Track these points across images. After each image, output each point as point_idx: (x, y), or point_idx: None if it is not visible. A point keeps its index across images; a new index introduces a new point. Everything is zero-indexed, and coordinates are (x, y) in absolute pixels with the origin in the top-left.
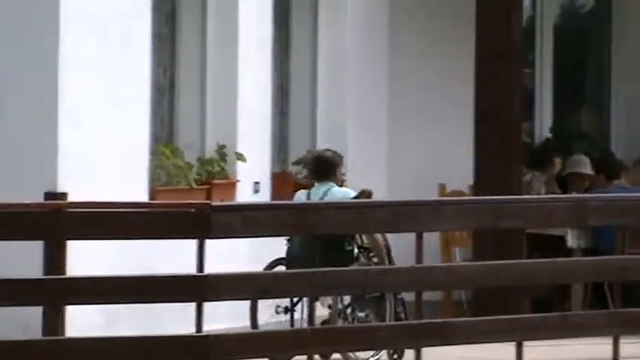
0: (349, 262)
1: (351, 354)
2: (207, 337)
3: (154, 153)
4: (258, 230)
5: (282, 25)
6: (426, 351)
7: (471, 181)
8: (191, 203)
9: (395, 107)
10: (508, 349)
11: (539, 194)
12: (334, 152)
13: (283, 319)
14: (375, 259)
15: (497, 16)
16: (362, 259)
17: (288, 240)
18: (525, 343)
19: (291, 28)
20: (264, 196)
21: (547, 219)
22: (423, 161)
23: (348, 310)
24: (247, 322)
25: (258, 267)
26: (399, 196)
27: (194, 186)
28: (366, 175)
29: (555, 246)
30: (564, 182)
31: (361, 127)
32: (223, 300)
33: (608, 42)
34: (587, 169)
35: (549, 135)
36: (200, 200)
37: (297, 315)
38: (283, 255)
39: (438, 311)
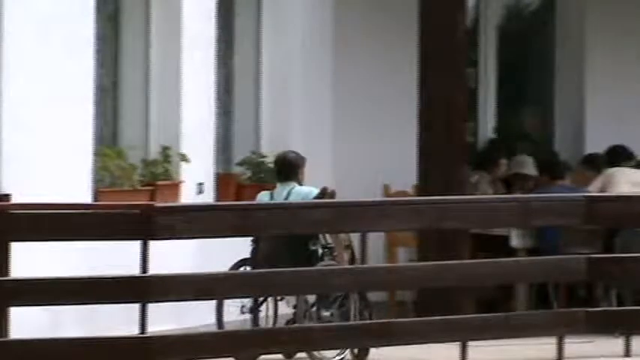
0: (314, 261)
1: (316, 353)
2: (150, 337)
3: (98, 154)
4: (202, 231)
5: (225, 25)
6: (376, 352)
7: (415, 181)
8: (135, 204)
9: (339, 108)
10: (453, 349)
11: (485, 195)
12: (297, 154)
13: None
14: (346, 257)
15: (441, 16)
16: (326, 259)
17: (253, 240)
18: (470, 343)
19: (235, 28)
20: (208, 197)
21: (490, 219)
22: (367, 162)
23: (313, 310)
24: (191, 323)
25: (207, 267)
26: (344, 197)
27: (138, 187)
28: (311, 176)
29: (499, 246)
30: (509, 183)
31: (305, 127)
32: (167, 301)
33: (552, 42)
34: (531, 169)
35: (493, 135)
36: (144, 202)
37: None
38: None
39: (383, 312)
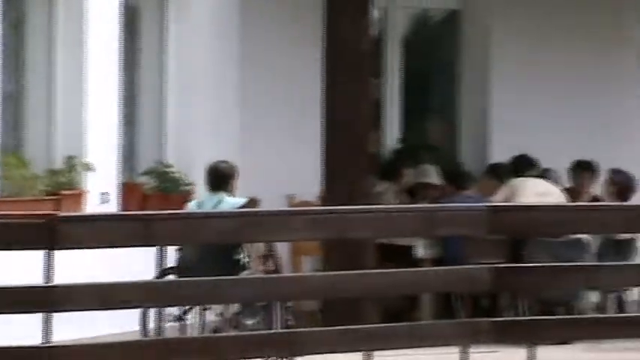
0: (239, 270)
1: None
2: (52, 347)
3: (1, 163)
4: (107, 241)
5: (130, 34)
6: None
7: (319, 191)
8: (38, 214)
9: (246, 117)
10: (357, 358)
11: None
12: (229, 164)
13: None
14: (260, 267)
15: (345, 27)
16: (251, 268)
17: (179, 249)
18: (375, 353)
19: (140, 37)
20: (113, 207)
21: (395, 229)
22: (272, 172)
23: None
24: (98, 332)
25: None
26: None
27: (42, 197)
28: None
29: (404, 256)
30: (413, 193)
31: (211, 137)
32: (71, 311)
33: (457, 53)
34: (434, 178)
35: (398, 146)
36: (48, 211)
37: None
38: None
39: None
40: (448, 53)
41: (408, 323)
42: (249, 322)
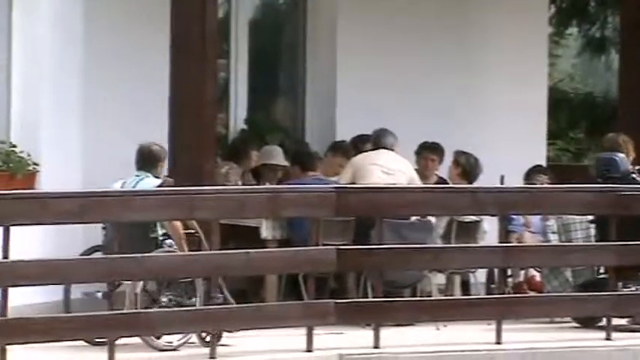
0: (153, 248)
1: (148, 338)
2: None
3: None
4: None
5: None
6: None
7: (166, 172)
8: None
9: (91, 98)
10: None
11: (235, 186)
12: (161, 147)
13: None
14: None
15: (191, 6)
16: (165, 246)
17: (103, 227)
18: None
19: None
20: None
21: (240, 210)
22: (118, 152)
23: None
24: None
25: None
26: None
27: None
28: (61, 170)
29: (250, 237)
30: (258, 174)
31: (55, 121)
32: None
33: (303, 35)
34: (280, 159)
35: (244, 126)
36: None
37: None
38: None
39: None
40: (295, 33)
41: (255, 304)
42: (164, 299)
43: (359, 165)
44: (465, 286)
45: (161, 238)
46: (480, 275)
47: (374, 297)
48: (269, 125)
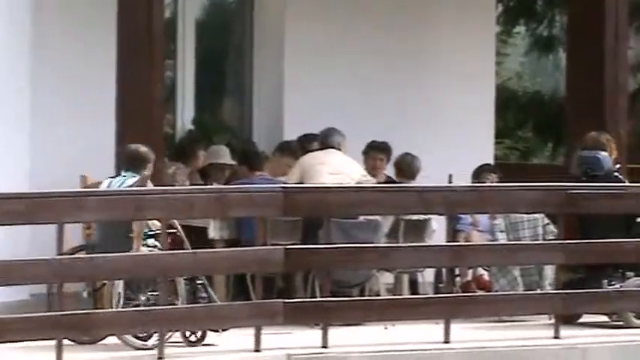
0: (131, 247)
1: (126, 337)
2: None
3: None
4: None
5: None
6: None
7: (113, 172)
8: None
9: (39, 99)
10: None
11: (183, 186)
12: (149, 149)
13: None
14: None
15: (138, 9)
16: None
17: (88, 227)
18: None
19: None
20: None
21: (188, 210)
22: (65, 151)
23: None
24: None
25: None
26: (42, 188)
27: None
28: (9, 172)
29: (198, 237)
30: (206, 174)
31: (2, 115)
32: None
33: (250, 35)
34: (227, 159)
35: (192, 127)
36: None
37: None
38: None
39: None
40: (242, 35)
41: (204, 304)
42: (143, 298)
43: (307, 165)
44: (414, 286)
45: (143, 237)
46: (429, 274)
47: (322, 297)
48: (216, 125)
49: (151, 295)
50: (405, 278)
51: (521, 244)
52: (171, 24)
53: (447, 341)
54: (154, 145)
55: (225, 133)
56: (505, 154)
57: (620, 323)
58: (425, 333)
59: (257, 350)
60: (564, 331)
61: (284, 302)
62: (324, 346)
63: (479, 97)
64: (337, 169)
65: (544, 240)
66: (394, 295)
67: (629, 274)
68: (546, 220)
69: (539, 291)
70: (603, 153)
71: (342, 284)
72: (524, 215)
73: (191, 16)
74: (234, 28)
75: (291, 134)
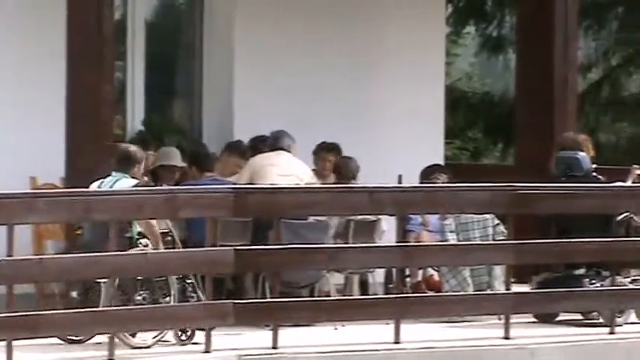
0: (127, 247)
1: (123, 336)
2: None
3: None
4: None
5: None
6: None
7: (63, 173)
8: None
9: None
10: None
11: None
12: (139, 150)
13: None
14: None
15: (88, 9)
16: (140, 245)
17: (79, 227)
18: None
19: None
20: None
21: (137, 211)
22: (14, 153)
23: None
24: None
25: None
26: None
27: None
28: None
29: None
30: (156, 175)
31: None
32: None
33: (200, 36)
34: (177, 160)
35: (142, 128)
36: None
37: None
38: None
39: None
40: (192, 36)
41: (153, 306)
42: (139, 297)
43: (257, 166)
44: (364, 286)
45: (136, 237)
46: (379, 275)
47: (272, 297)
48: (166, 126)
49: (145, 294)
50: (356, 279)
51: (472, 245)
52: (121, 25)
53: (397, 341)
54: (103, 147)
55: (175, 134)
56: (455, 154)
57: (597, 321)
58: (375, 333)
59: (207, 351)
60: (515, 331)
61: (234, 303)
62: (275, 347)
63: (429, 97)
64: (287, 170)
65: (494, 240)
66: (344, 295)
67: (605, 273)
68: (496, 221)
69: (489, 291)
70: (582, 153)
71: (292, 285)
72: (475, 215)
73: (141, 18)
74: (184, 30)
75: (241, 135)
